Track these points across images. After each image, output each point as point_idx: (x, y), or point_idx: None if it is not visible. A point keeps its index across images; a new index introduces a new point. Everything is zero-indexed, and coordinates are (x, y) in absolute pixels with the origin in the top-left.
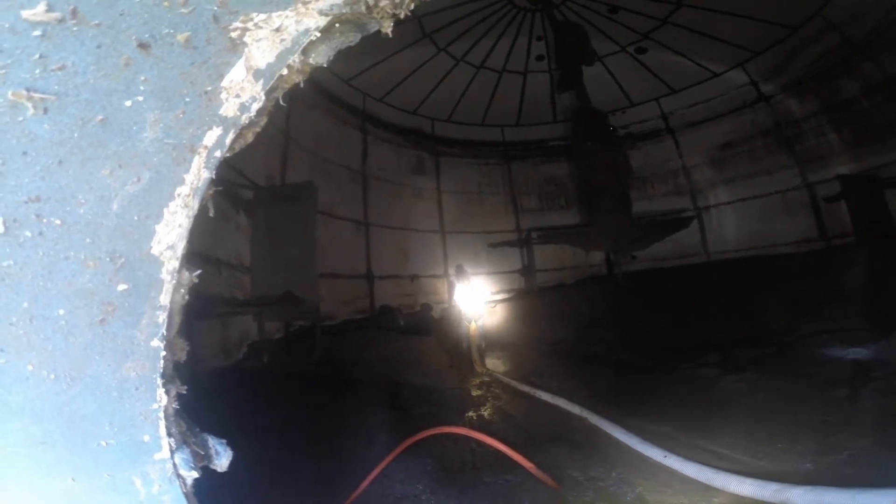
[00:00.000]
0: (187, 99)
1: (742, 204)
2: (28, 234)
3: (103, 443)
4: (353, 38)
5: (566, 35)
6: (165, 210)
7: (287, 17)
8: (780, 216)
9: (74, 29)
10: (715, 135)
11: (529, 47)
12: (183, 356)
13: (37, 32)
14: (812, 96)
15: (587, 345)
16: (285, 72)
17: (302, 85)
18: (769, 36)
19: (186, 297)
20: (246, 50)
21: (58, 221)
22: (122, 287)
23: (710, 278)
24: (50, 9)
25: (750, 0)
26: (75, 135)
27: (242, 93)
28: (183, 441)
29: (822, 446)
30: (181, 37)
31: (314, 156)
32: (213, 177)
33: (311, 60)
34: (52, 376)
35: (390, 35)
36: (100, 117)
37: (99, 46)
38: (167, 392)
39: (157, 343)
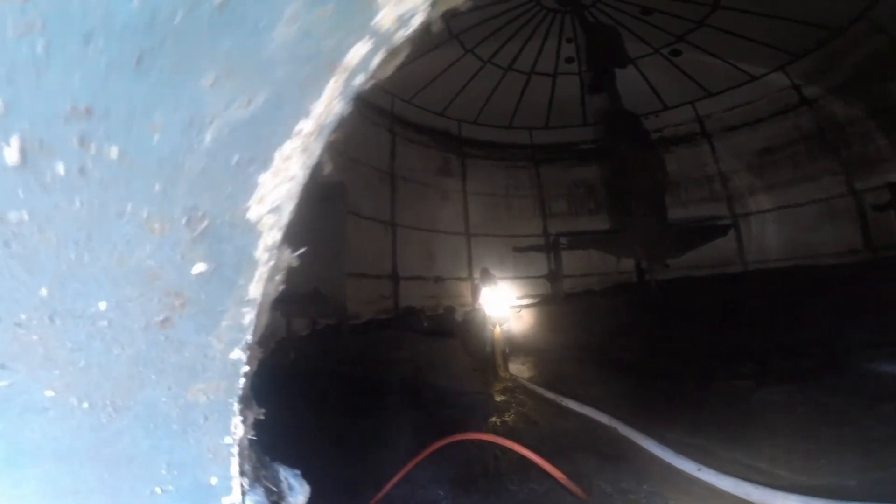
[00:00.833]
0: None
1: (783, 212)
2: (61, 168)
3: (158, 489)
4: None
5: (598, 36)
6: (277, 153)
7: None
8: (824, 225)
9: None
10: (754, 139)
11: (559, 49)
12: (255, 366)
13: None
14: (858, 100)
15: (616, 352)
16: None
17: (461, 8)
18: (812, 38)
19: (282, 286)
20: None
21: (114, 152)
22: (199, 268)
23: (748, 288)
24: None
25: (791, 2)
26: (176, 16)
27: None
28: (255, 479)
29: (866, 463)
30: None
31: (344, 156)
32: (345, 113)
33: None
34: (86, 405)
35: None
36: None
37: None
38: (244, 420)
39: (238, 355)
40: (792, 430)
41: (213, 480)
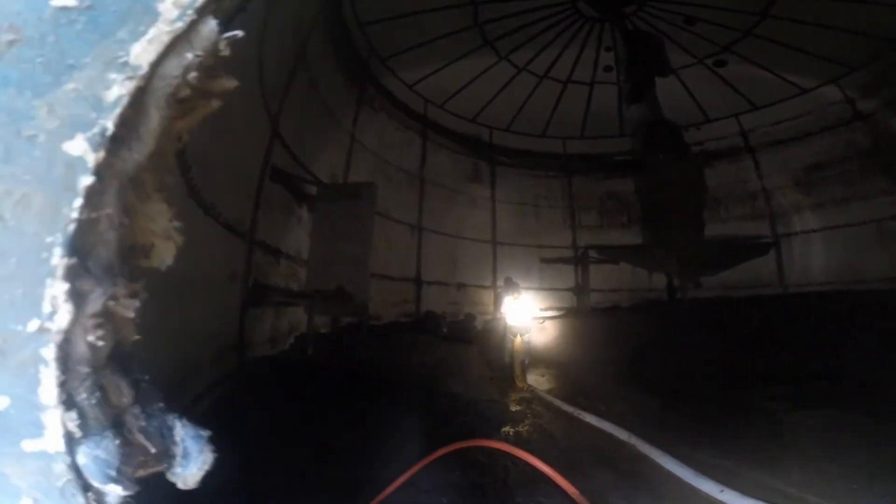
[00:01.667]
0: None
1: (830, 232)
2: None
3: None
4: None
5: (640, 44)
6: None
7: None
8: (874, 247)
9: None
10: (802, 155)
11: (597, 58)
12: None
13: None
14: None
15: (641, 371)
16: None
17: None
18: (868, 50)
19: None
20: None
21: None
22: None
23: (786, 312)
24: None
25: (845, 12)
26: None
27: None
28: (104, 420)
29: None
30: None
31: (376, 157)
32: None
33: None
34: None
35: None
36: None
37: None
38: (77, 293)
39: (81, 147)
40: (826, 453)
41: (1, 402)
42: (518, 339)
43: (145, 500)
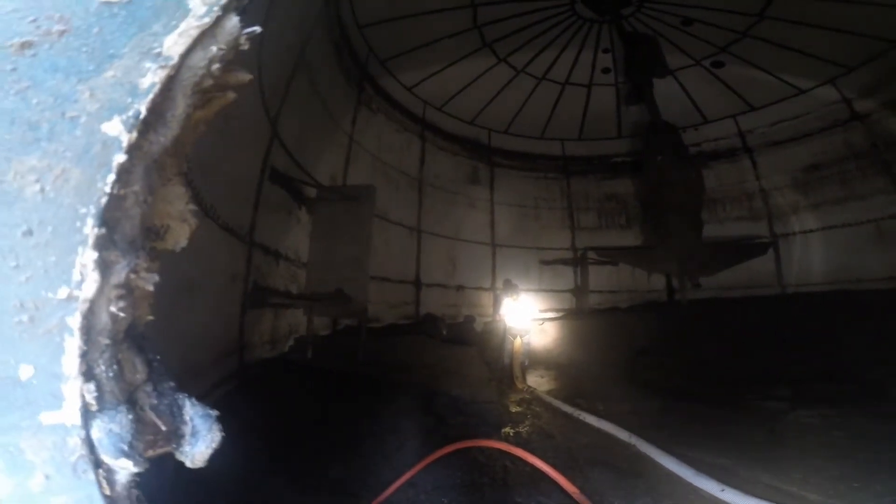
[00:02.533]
0: None
1: (828, 232)
2: None
3: None
4: None
5: (637, 46)
6: None
7: None
8: (872, 247)
9: None
10: (800, 155)
11: (595, 59)
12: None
13: None
14: None
15: (641, 371)
16: None
17: None
18: (865, 50)
19: None
20: None
21: None
22: None
23: (785, 312)
24: None
25: (843, 13)
26: None
27: None
28: (119, 395)
29: None
30: None
31: (375, 159)
32: None
33: None
34: None
35: None
36: None
37: None
38: (106, 265)
39: (117, 128)
40: (826, 452)
41: (25, 371)
42: (517, 341)
43: (150, 489)
